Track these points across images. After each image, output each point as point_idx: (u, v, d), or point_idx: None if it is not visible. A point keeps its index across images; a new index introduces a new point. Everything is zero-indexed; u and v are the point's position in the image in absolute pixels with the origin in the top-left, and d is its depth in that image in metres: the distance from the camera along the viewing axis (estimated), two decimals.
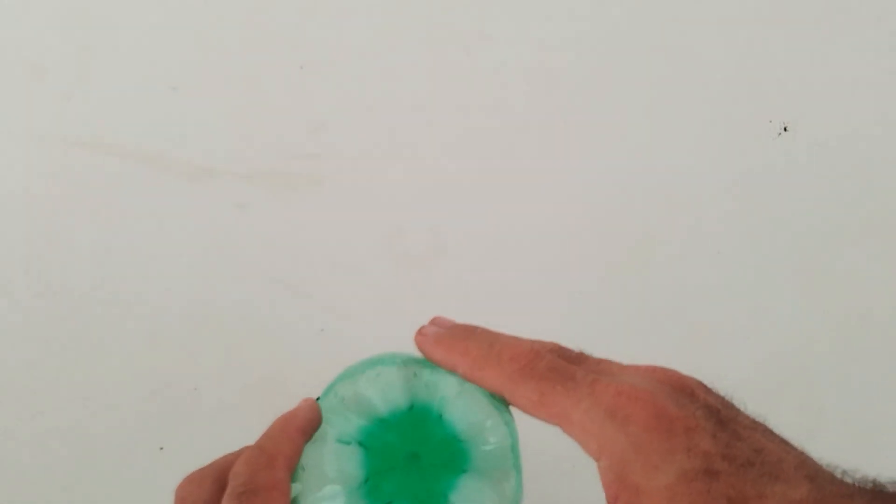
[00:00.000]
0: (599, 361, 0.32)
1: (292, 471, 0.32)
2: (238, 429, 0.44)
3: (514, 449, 0.35)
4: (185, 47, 0.56)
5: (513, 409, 0.33)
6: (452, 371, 0.33)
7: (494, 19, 0.57)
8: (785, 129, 0.54)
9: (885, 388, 0.46)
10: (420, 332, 0.34)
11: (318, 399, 0.36)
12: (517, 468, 0.35)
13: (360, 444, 0.34)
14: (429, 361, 0.34)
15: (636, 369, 0.31)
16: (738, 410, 0.30)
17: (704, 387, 0.31)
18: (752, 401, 0.45)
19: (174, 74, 0.55)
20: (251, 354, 0.44)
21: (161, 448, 0.44)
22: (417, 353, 0.35)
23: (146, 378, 0.46)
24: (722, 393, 0.31)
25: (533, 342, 0.32)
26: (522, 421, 0.42)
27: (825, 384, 0.46)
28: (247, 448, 0.32)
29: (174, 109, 0.54)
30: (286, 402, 0.45)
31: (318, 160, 0.52)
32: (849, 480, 0.27)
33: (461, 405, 0.34)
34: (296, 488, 0.33)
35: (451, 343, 0.33)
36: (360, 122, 0.53)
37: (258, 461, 0.32)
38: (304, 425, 0.34)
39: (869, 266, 0.49)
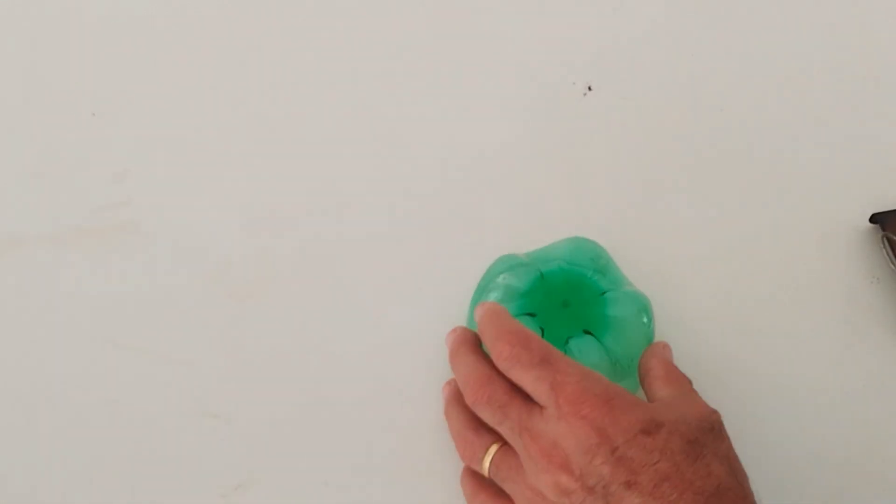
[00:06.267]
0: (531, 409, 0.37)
1: None
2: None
3: (644, 302, 0.45)
4: None
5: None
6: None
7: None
8: (590, 89, 0.54)
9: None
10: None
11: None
12: (647, 311, 0.44)
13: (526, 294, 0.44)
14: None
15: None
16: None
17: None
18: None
19: None
20: None
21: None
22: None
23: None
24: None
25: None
26: None
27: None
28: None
29: None
30: None
31: (127, 207, 0.50)
32: None
33: (603, 274, 0.45)
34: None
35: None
36: (163, 161, 0.51)
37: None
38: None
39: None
